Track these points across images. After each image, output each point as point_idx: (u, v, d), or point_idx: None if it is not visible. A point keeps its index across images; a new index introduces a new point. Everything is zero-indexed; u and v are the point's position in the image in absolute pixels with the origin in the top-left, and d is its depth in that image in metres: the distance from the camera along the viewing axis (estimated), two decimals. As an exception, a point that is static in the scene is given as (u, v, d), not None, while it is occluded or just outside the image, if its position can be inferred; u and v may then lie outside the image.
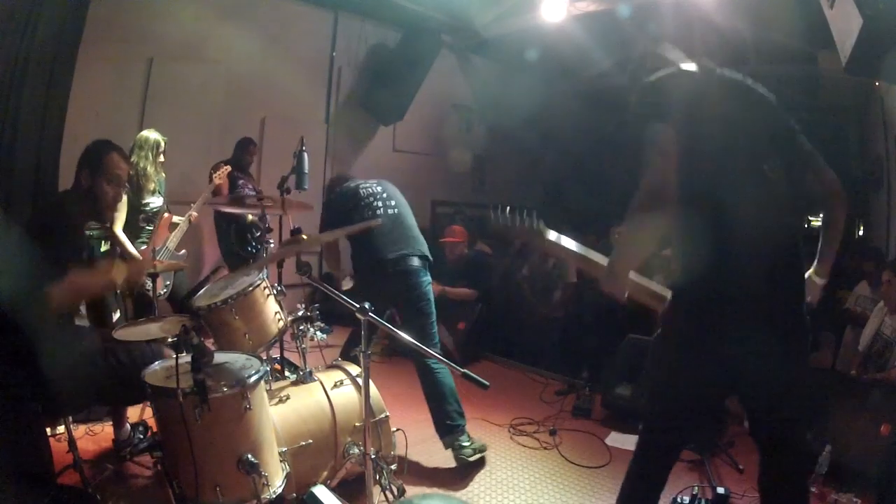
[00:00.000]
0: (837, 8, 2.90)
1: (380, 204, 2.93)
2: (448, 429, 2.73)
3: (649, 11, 5.03)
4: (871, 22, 2.58)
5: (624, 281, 1.52)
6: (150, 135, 3.42)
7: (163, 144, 3.44)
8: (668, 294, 1.56)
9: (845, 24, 2.79)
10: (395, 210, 2.94)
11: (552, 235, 1.66)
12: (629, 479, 1.67)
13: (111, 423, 2.74)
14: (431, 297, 2.90)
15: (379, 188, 3.00)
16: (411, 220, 3.01)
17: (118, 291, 3.32)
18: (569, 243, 1.66)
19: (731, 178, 1.45)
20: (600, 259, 1.63)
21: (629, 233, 1.52)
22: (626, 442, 3.05)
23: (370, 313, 1.84)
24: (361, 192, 2.97)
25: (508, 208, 1.72)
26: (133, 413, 2.77)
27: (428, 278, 2.90)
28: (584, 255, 1.64)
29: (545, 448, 2.98)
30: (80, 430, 2.71)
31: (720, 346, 1.45)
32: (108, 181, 2.11)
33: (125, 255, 3.25)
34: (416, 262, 2.84)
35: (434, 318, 2.87)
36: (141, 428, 2.61)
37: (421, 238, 2.97)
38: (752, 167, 1.48)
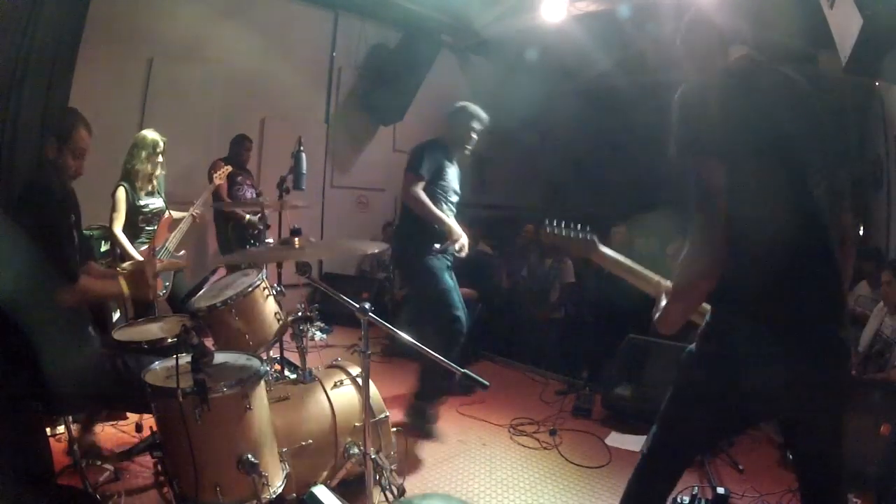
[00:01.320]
0: (837, 8, 2.90)
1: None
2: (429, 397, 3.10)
3: (649, 11, 5.03)
4: (871, 22, 2.58)
5: (679, 324, 1.46)
6: (149, 134, 3.40)
7: (161, 144, 3.41)
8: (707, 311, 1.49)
9: (845, 24, 2.79)
10: None
11: (604, 249, 1.74)
12: (639, 484, 1.59)
13: (111, 423, 2.74)
14: None
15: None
16: None
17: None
18: (620, 258, 1.72)
19: (782, 206, 1.33)
20: (651, 276, 1.64)
21: (686, 286, 1.38)
22: (626, 442, 3.06)
23: (370, 313, 1.84)
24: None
25: (563, 222, 1.80)
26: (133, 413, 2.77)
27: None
28: (635, 270, 1.68)
29: (545, 448, 2.99)
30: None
31: (776, 365, 1.34)
32: (73, 156, 2.09)
33: (125, 256, 3.24)
34: None
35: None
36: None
37: None
38: (802, 191, 1.37)
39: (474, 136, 3.30)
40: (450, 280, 3.23)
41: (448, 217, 3.17)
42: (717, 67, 1.47)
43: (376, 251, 2.97)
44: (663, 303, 1.51)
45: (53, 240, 1.86)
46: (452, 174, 3.30)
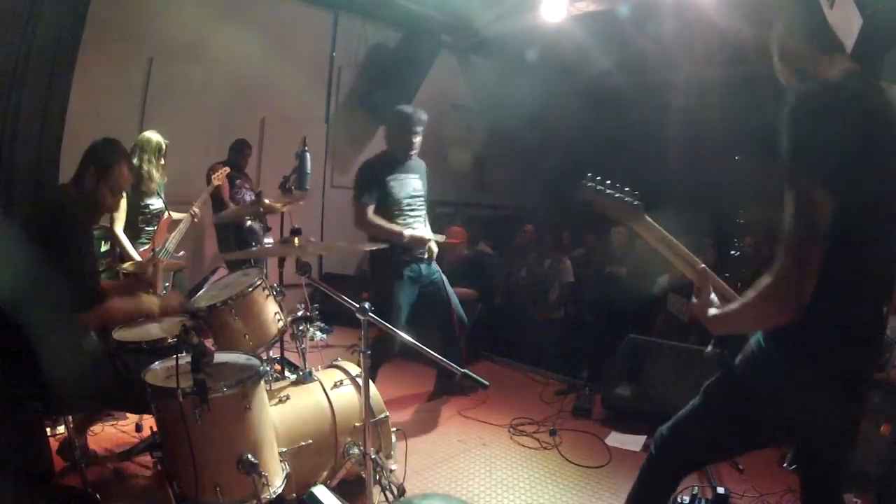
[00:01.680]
0: (837, 8, 2.89)
1: None
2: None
3: (649, 11, 5.03)
4: (871, 22, 2.57)
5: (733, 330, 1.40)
6: (153, 136, 3.41)
7: (164, 147, 3.44)
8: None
9: (845, 24, 2.79)
10: None
11: (650, 219, 1.57)
12: (647, 484, 1.57)
13: (111, 423, 2.74)
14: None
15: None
16: None
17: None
18: (666, 234, 1.56)
19: (880, 248, 1.26)
20: (696, 260, 1.52)
21: (761, 304, 1.26)
22: (626, 442, 3.06)
23: (370, 313, 1.84)
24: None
25: (607, 180, 1.61)
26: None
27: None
28: (679, 250, 1.54)
29: (545, 448, 2.98)
30: (80, 431, 2.71)
31: (833, 392, 1.28)
32: (112, 191, 2.07)
33: (125, 256, 3.25)
34: None
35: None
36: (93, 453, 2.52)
37: None
38: None
39: (415, 139, 3.27)
40: (403, 314, 3.26)
41: (407, 229, 3.21)
42: (824, 77, 1.34)
43: (374, 248, 3.01)
44: (711, 296, 1.42)
45: (76, 259, 1.88)
46: (400, 184, 3.27)
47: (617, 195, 1.59)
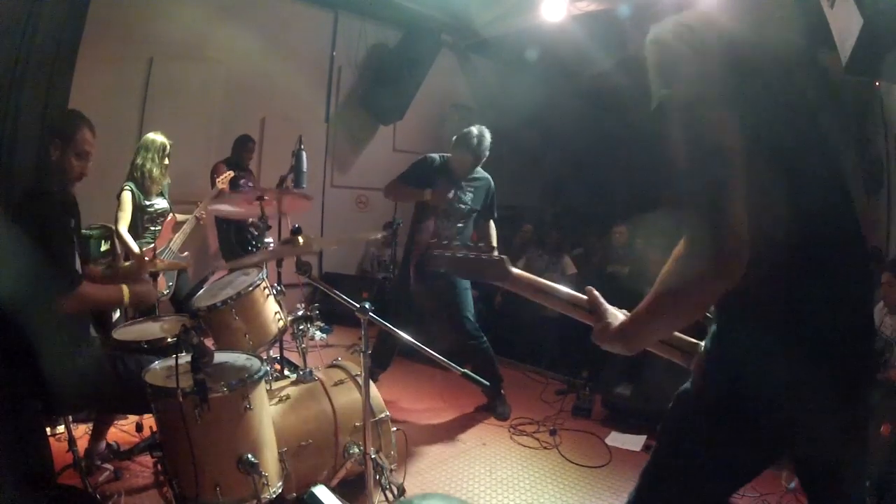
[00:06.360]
0: (837, 8, 2.90)
1: None
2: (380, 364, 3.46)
3: (649, 11, 5.03)
4: (871, 22, 2.58)
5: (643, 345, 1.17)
6: (157, 137, 3.42)
7: (168, 147, 3.44)
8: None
9: (845, 24, 2.79)
10: None
11: (513, 274, 1.33)
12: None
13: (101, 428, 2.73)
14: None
15: None
16: None
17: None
18: (537, 285, 1.34)
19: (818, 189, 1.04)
20: (578, 299, 1.31)
21: (685, 286, 1.01)
22: (626, 442, 3.06)
23: (370, 313, 1.84)
24: None
25: (454, 243, 1.37)
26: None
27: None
28: (559, 293, 1.33)
29: (545, 448, 2.99)
30: (80, 430, 2.70)
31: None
32: (77, 156, 2.06)
33: (130, 256, 3.24)
34: None
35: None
36: (115, 446, 2.50)
37: None
38: (838, 174, 1.08)
39: (467, 166, 3.48)
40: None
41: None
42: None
43: (379, 237, 3.02)
44: (617, 317, 1.24)
45: (54, 245, 1.86)
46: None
47: (473, 254, 1.33)
